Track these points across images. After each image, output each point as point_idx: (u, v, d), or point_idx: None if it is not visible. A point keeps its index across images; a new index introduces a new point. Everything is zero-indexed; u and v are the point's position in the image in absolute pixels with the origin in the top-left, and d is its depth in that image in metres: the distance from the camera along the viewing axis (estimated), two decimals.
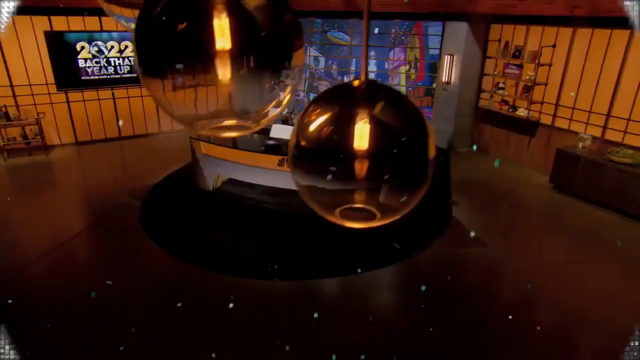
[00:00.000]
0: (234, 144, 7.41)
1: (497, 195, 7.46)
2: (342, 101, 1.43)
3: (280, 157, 6.49)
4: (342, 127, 1.36)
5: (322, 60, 10.81)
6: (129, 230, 6.11)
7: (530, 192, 7.63)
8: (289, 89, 1.37)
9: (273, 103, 1.35)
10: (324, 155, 1.39)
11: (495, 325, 4.43)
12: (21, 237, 5.92)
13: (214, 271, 5.20)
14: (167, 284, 4.98)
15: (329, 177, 1.36)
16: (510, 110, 8.66)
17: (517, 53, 8.33)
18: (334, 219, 1.47)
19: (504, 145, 9.08)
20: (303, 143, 1.42)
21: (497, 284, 5.17)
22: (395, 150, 1.38)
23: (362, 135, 1.35)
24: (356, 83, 1.42)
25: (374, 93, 1.42)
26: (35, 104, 8.99)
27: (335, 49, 10.58)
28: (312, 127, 1.41)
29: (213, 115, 1.32)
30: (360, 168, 1.34)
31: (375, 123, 1.36)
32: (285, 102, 1.41)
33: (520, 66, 8.32)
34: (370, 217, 1.46)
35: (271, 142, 7.32)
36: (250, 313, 4.48)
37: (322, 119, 1.40)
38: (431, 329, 4.31)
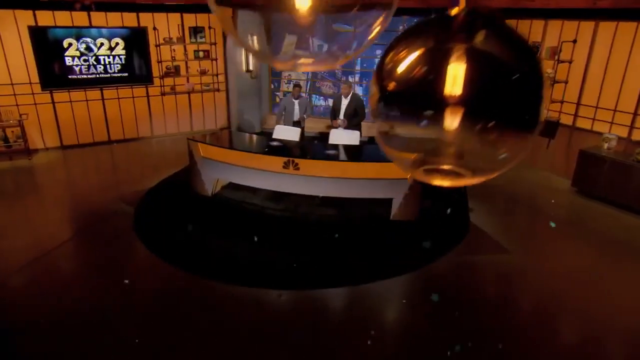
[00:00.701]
0: (233, 145, 7.15)
1: (516, 201, 7.23)
2: (437, 35, 1.16)
3: (285, 159, 6.22)
4: (437, 67, 1.10)
5: None
6: (122, 237, 5.78)
7: (551, 196, 7.39)
8: (380, 19, 1.13)
9: (361, 32, 1.12)
10: (413, 103, 1.13)
11: (520, 336, 4.16)
12: (2, 246, 5.54)
13: (214, 280, 4.89)
14: (164, 293, 4.66)
15: (420, 128, 1.11)
16: None
17: (534, 49, 8.15)
18: (419, 176, 1.24)
19: None
20: (389, 88, 1.15)
21: (521, 292, 4.92)
22: (503, 97, 1.12)
23: (459, 77, 1.09)
24: (454, 11, 1.15)
25: (477, 24, 1.14)
26: (17, 105, 8.65)
27: None
28: (400, 69, 1.14)
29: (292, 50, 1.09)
30: (458, 117, 1.08)
31: (478, 61, 1.10)
32: (373, 34, 1.16)
33: None
34: (460, 175, 1.24)
35: (275, 143, 7.05)
36: (254, 324, 4.20)
37: (411, 58, 1.13)
38: (450, 341, 4.00)
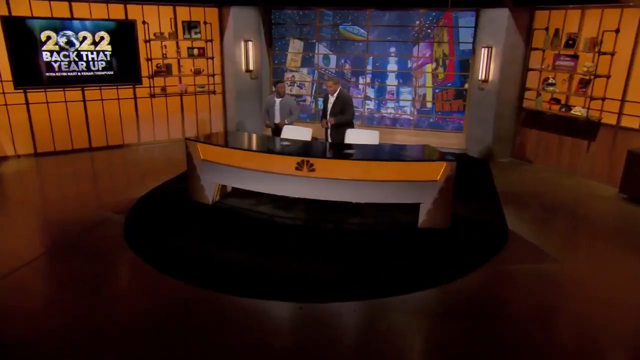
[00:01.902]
0: (238, 145, 6.63)
1: (557, 209, 6.78)
2: None
3: (299, 159, 5.75)
4: None
5: (333, 58, 10.20)
6: (108, 250, 5.19)
7: (596, 204, 6.92)
8: None
9: None
10: None
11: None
12: None
13: (222, 292, 4.39)
14: (165, 308, 4.12)
15: None
16: (563, 110, 8.07)
17: (570, 42, 7.82)
18: None
19: (555, 152, 8.44)
20: None
21: (575, 301, 4.47)
22: None
23: None
24: None
25: None
26: None
27: (348, 46, 10.01)
28: None
29: None
30: None
31: None
32: None
33: (575, 57, 7.80)
34: None
35: (285, 142, 6.56)
36: (266, 339, 3.74)
37: None
38: None
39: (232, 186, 6.48)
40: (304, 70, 10.44)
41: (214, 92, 10.17)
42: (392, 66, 9.92)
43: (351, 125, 7.04)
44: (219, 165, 6.19)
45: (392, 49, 9.82)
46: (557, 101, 8.27)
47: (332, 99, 6.89)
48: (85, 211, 6.21)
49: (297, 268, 4.86)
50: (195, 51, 9.68)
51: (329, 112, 6.91)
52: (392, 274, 4.80)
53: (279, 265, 4.89)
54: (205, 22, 9.63)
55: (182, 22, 9.43)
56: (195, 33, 9.56)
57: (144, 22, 9.07)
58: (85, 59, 8.68)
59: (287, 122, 7.33)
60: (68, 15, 8.42)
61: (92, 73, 8.79)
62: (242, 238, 5.49)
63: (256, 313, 4.07)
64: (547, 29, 8.20)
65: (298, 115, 7.62)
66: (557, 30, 8.04)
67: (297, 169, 5.72)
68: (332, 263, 4.98)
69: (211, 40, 9.79)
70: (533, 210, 6.69)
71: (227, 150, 6.25)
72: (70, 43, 8.47)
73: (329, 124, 6.91)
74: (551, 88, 8.25)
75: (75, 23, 8.46)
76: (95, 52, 8.73)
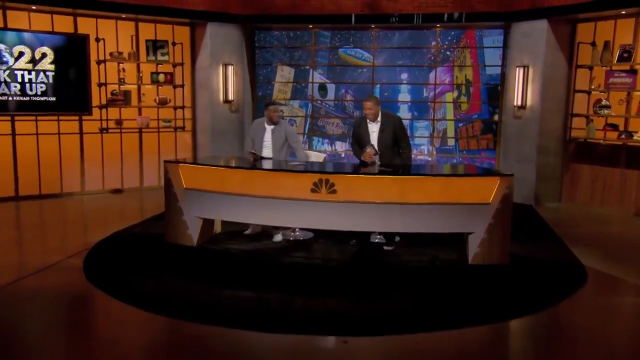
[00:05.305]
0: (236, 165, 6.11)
1: (636, 248, 6.56)
2: None
3: (315, 177, 5.30)
4: None
5: (331, 88, 9.94)
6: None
7: None
8: None
9: None
10: None
11: None
12: None
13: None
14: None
15: None
16: (622, 136, 7.89)
17: (625, 54, 7.82)
18: None
19: (616, 190, 8.12)
20: None
21: None
22: None
23: None
24: None
25: None
26: None
27: (350, 73, 9.82)
28: None
29: None
30: None
31: None
32: None
33: (632, 72, 7.76)
34: None
35: (295, 163, 6.07)
36: None
37: None
38: None
39: (226, 220, 5.81)
40: (295, 104, 10.09)
41: (182, 129, 9.60)
42: (404, 96, 9.72)
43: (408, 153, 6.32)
44: (208, 194, 5.58)
45: (404, 76, 9.66)
46: (614, 127, 8.11)
47: (373, 127, 6.03)
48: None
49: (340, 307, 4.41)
50: (161, 77, 9.23)
51: (375, 143, 6.05)
52: (475, 311, 4.38)
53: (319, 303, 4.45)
54: (174, 43, 9.30)
55: (146, 41, 9.06)
56: (162, 55, 9.17)
57: (98, 39, 8.63)
58: (19, 79, 8.04)
59: (275, 156, 6.40)
60: (1, 25, 7.92)
61: (27, 98, 8.12)
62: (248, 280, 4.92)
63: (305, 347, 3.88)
64: (593, 43, 8.25)
65: (301, 147, 6.81)
66: (606, 43, 8.08)
67: (313, 190, 5.27)
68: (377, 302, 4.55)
69: (181, 64, 9.40)
70: (606, 248, 6.45)
71: (220, 171, 5.71)
72: (0, 59, 7.89)
73: (376, 153, 6.04)
74: (605, 111, 8.12)
75: (10, 34, 7.92)
76: (33, 72, 8.13)
